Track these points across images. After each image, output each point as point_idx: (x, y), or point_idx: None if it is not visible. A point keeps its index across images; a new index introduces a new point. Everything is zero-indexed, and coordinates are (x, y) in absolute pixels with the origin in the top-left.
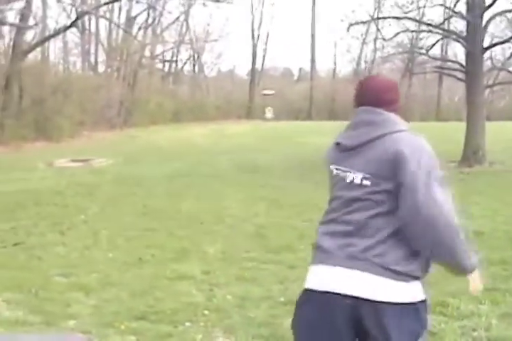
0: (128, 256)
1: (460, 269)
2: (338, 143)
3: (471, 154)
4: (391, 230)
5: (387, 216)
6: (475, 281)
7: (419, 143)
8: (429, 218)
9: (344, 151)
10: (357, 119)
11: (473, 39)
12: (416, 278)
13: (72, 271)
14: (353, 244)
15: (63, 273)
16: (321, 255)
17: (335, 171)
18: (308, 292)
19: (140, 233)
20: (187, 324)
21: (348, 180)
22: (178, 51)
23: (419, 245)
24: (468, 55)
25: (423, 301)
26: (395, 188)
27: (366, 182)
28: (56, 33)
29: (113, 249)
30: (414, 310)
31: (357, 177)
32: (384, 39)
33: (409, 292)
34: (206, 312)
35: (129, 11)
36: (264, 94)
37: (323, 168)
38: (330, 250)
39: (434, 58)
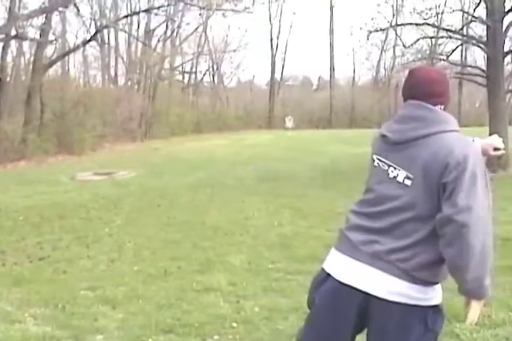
0: (153, 269)
1: (474, 288)
2: (383, 136)
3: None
4: (421, 236)
5: (420, 221)
6: (476, 310)
7: (469, 146)
8: (462, 225)
9: (389, 144)
10: (405, 112)
11: (493, 44)
12: (434, 283)
13: (99, 285)
14: (379, 242)
15: (90, 287)
16: (347, 246)
17: (376, 161)
18: (327, 276)
19: (165, 245)
20: (215, 337)
21: (390, 176)
22: (197, 62)
23: (446, 251)
24: (488, 60)
25: (436, 306)
26: (436, 191)
27: (408, 182)
28: (76, 47)
29: (138, 261)
30: (424, 313)
31: (400, 174)
32: (404, 46)
33: (423, 295)
34: (234, 324)
35: (147, 24)
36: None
37: (346, 176)
38: (356, 244)
39: (454, 64)
